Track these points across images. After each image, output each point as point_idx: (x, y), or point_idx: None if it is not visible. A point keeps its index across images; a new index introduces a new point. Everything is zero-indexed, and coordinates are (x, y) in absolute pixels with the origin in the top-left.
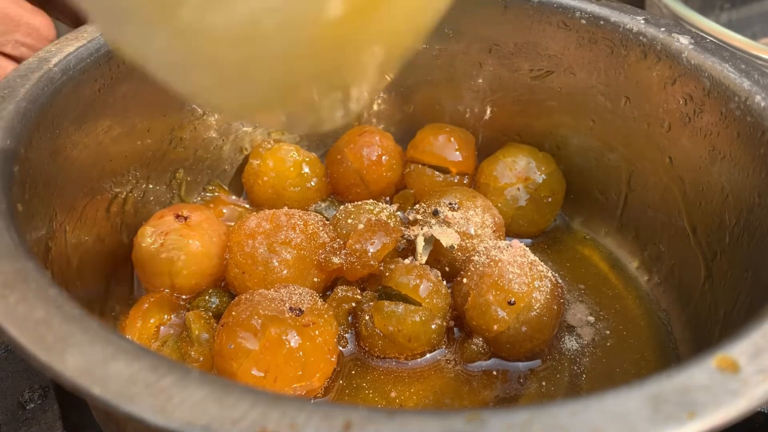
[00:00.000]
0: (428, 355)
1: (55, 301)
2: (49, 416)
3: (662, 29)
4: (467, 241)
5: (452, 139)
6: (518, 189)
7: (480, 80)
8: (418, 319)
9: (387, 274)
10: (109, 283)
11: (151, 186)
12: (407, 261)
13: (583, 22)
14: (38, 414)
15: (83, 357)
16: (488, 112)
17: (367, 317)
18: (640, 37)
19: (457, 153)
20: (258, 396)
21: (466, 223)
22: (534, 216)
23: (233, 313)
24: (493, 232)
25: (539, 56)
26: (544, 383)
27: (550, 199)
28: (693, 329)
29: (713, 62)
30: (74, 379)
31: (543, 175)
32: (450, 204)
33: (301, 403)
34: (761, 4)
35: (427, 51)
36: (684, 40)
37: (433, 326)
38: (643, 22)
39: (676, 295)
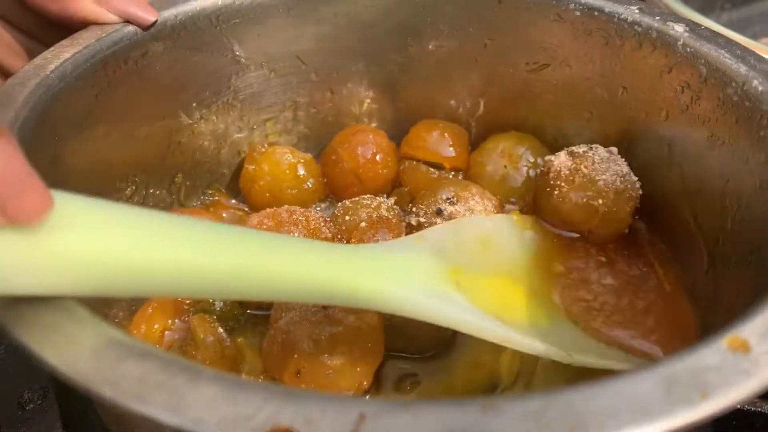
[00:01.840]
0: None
1: (64, 306)
2: (48, 417)
3: (657, 18)
4: None
5: (446, 134)
6: (505, 167)
7: (475, 75)
8: None
9: None
10: None
11: (151, 191)
12: None
13: (578, 13)
14: (38, 414)
15: (94, 359)
16: (482, 107)
17: None
18: (635, 27)
19: (451, 149)
20: (271, 392)
21: (471, 214)
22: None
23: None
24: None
25: (534, 50)
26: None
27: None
28: (697, 316)
29: (709, 49)
30: (86, 380)
31: (528, 150)
32: (448, 199)
33: (314, 397)
34: (762, 4)
35: (421, 47)
36: (679, 28)
37: None
38: (637, 11)
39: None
